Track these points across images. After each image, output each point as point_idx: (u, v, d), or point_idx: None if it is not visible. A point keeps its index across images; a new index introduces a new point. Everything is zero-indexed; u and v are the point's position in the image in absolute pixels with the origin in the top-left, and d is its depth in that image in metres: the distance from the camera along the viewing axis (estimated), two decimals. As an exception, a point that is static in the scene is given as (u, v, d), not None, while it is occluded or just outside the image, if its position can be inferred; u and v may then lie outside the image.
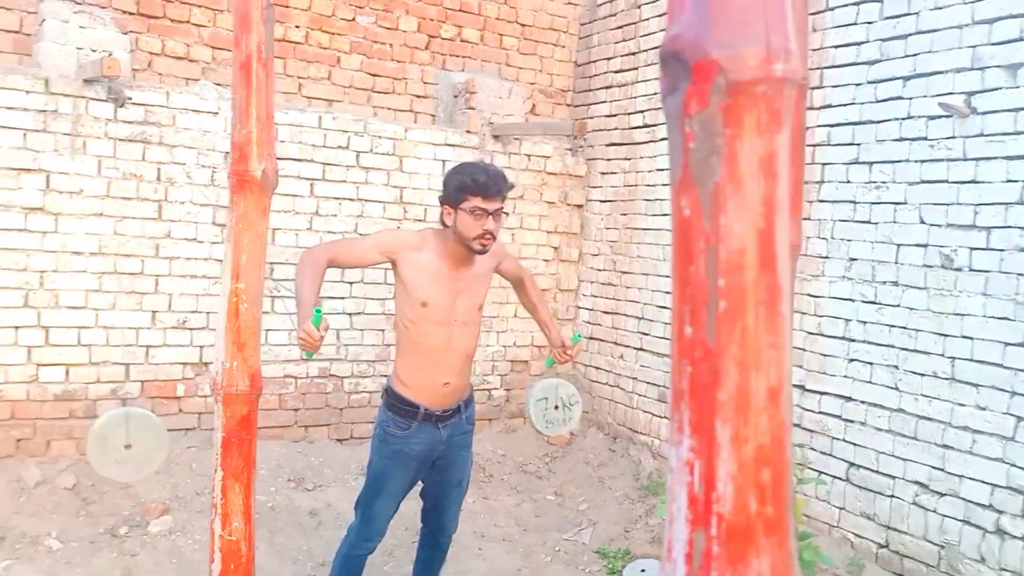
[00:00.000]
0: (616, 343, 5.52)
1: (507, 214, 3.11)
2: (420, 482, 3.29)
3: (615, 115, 5.62)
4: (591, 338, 5.75)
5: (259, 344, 1.59)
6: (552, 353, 3.41)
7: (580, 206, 5.91)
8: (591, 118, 5.84)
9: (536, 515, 4.75)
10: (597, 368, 5.70)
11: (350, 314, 5.13)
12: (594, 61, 5.85)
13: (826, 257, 4.11)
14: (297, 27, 5.17)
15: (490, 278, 3.15)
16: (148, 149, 4.52)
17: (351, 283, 5.10)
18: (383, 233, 3.03)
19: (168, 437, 3.20)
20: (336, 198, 5.03)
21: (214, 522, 1.62)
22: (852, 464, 3.98)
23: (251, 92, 1.59)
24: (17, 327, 4.27)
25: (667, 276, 5.11)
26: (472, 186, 2.87)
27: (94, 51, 4.35)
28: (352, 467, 4.95)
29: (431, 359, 3.00)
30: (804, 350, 4.20)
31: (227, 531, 1.51)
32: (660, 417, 5.14)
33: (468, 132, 5.44)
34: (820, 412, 4.11)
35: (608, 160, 5.68)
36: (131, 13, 4.69)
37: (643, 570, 4.04)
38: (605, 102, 5.72)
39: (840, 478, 4.05)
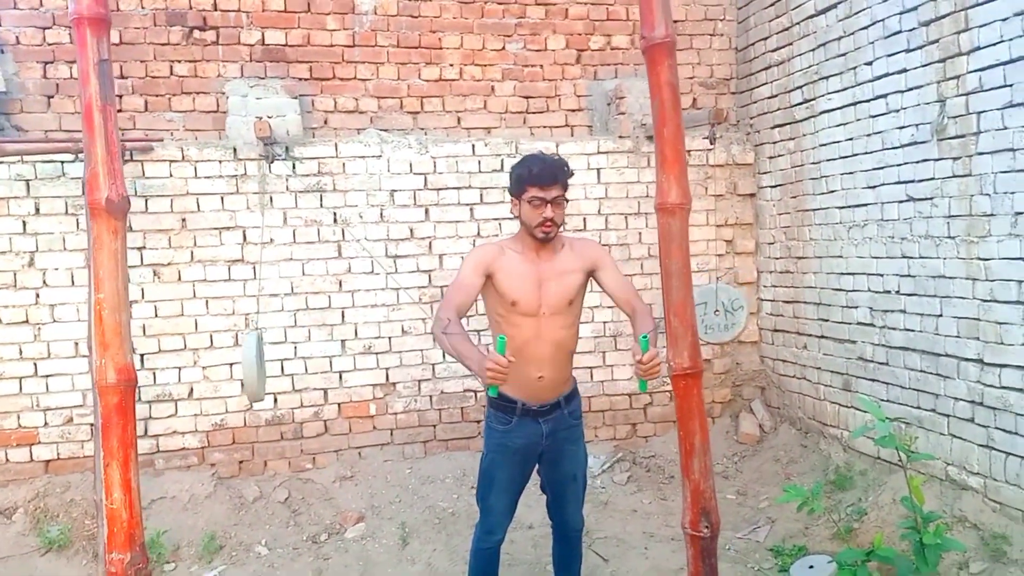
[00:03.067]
0: (799, 333, 5.24)
1: (567, 202, 3.16)
2: (538, 476, 3.39)
3: (775, 95, 5.38)
4: (775, 330, 5.51)
5: (125, 342, 1.84)
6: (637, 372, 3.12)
7: (752, 195, 5.70)
8: (754, 103, 5.65)
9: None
10: (784, 361, 5.44)
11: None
12: (752, 44, 5.65)
13: (991, 215, 3.67)
14: (451, 65, 5.53)
15: (580, 277, 3.19)
16: (324, 196, 5.08)
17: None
18: (470, 258, 3.16)
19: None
20: (495, 219, 5.29)
21: (101, 494, 1.94)
22: (1043, 445, 3.50)
23: (94, 135, 1.86)
24: (231, 364, 4.96)
25: (840, 256, 4.79)
26: (528, 177, 3.04)
27: (270, 117, 4.98)
28: (534, 476, 5.13)
29: (522, 352, 3.07)
30: (979, 320, 3.76)
31: (110, 501, 1.78)
32: (847, 407, 4.81)
33: (621, 137, 5.48)
34: (1001, 387, 3.66)
35: (774, 143, 5.44)
36: (305, 79, 5.31)
37: (811, 566, 3.82)
38: (766, 84, 5.50)
39: (1032, 461, 3.57)
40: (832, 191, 4.84)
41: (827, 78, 4.82)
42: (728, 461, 5.30)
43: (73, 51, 4.98)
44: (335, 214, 5.10)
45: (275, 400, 5.05)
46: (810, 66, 4.98)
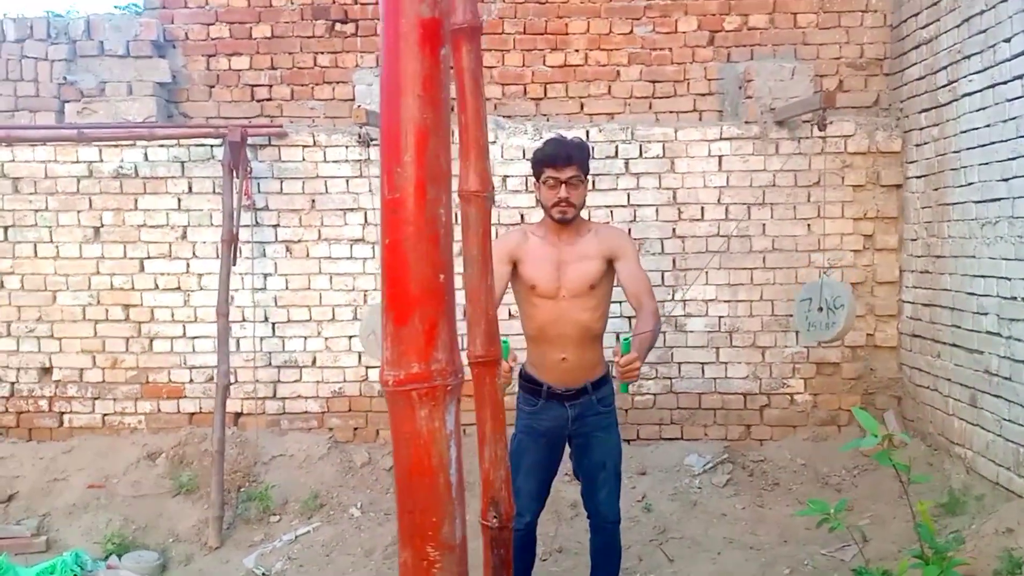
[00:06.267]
0: (934, 340, 4.76)
1: (583, 182, 3.15)
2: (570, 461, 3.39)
3: (923, 77, 4.88)
4: (914, 335, 5.02)
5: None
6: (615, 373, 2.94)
7: (898, 186, 5.21)
8: (904, 85, 5.15)
9: (807, 527, 4.35)
10: (919, 370, 4.95)
11: (628, 317, 5.27)
12: (905, 20, 5.15)
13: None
14: (576, 51, 5.52)
15: (600, 263, 3.16)
16: (440, 181, 5.27)
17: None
18: (497, 247, 3.21)
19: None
20: (607, 206, 5.24)
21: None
22: None
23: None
24: (350, 336, 5.31)
25: (973, 257, 4.30)
26: (542, 158, 3.11)
27: (392, 106, 5.24)
28: (633, 466, 5.06)
29: (545, 334, 3.17)
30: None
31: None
32: (973, 425, 4.31)
33: (747, 123, 5.21)
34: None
35: (921, 130, 4.94)
36: (434, 68, 5.52)
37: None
38: (915, 64, 4.99)
39: None
40: (970, 183, 4.34)
41: (969, 57, 4.32)
42: (847, 474, 4.93)
43: (232, 44, 5.53)
44: (450, 198, 5.27)
45: (388, 373, 5.34)
46: (954, 44, 4.48)
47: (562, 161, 3.08)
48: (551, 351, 3.16)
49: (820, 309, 4.23)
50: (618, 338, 2.87)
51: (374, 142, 5.16)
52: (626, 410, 5.32)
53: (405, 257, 1.18)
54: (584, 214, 5.20)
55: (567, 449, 3.42)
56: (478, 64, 1.77)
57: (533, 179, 3.24)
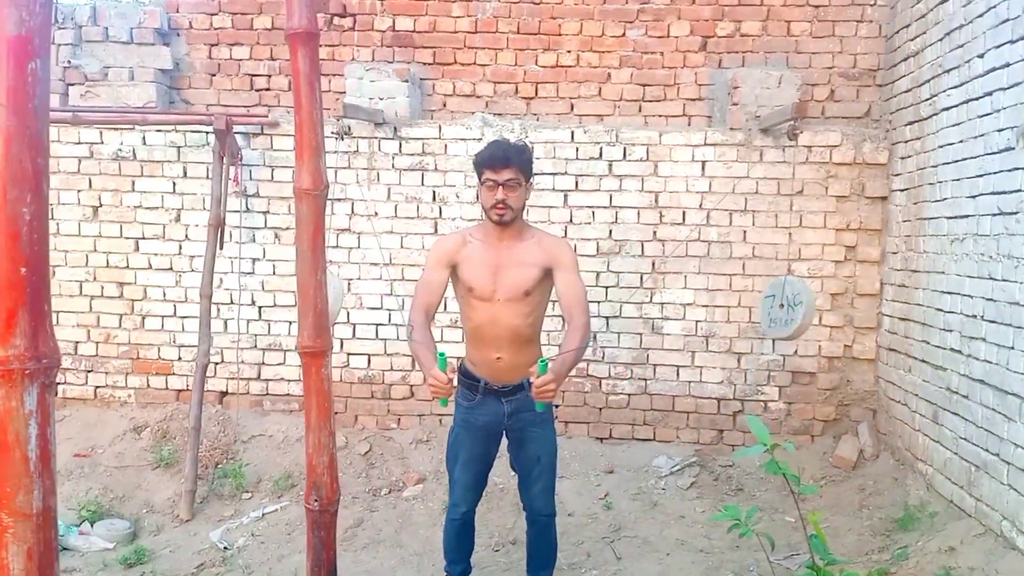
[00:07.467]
0: (907, 354, 4.74)
1: (522, 185, 3.20)
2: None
3: (910, 90, 4.85)
4: (890, 349, 5.00)
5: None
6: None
7: (884, 198, 5.19)
8: (894, 97, 5.12)
9: (766, 535, 4.36)
10: (893, 384, 4.93)
11: (606, 317, 5.33)
12: (897, 32, 5.12)
13: None
14: (568, 51, 5.57)
15: (537, 272, 3.22)
16: (426, 175, 5.37)
17: (607, 287, 5.30)
18: (432, 252, 3.32)
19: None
20: (589, 207, 5.29)
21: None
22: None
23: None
24: (333, 323, 5.42)
25: (942, 273, 4.28)
26: (481, 160, 3.19)
27: (381, 99, 5.35)
28: (601, 465, 5.13)
29: (481, 334, 3.28)
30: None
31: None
32: (935, 442, 4.30)
33: (732, 129, 5.23)
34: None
35: (906, 143, 4.91)
36: (428, 63, 5.62)
37: None
38: (904, 76, 4.97)
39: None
40: (944, 199, 4.32)
41: (948, 71, 4.29)
42: (814, 484, 4.93)
43: (234, 35, 5.68)
44: (434, 192, 5.37)
45: (368, 361, 5.47)
46: (936, 58, 4.45)
47: (500, 163, 3.14)
48: (487, 350, 3.25)
49: (782, 306, 4.25)
50: (537, 360, 2.93)
51: (351, 135, 5.28)
52: (600, 409, 5.38)
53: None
54: (566, 213, 5.30)
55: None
56: (313, 68, 1.86)
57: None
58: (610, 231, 5.29)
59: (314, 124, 1.95)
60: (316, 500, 2.19)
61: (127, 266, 5.51)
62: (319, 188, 2.04)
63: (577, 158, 5.31)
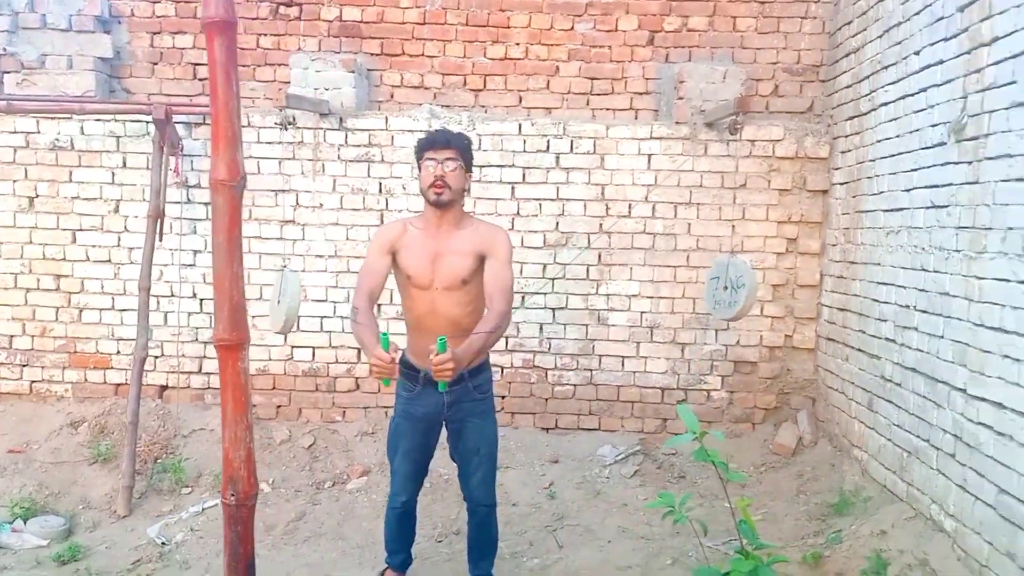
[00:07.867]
0: (844, 343, 4.82)
1: (461, 168, 3.22)
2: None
3: (851, 85, 4.94)
4: (829, 339, 5.09)
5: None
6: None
7: (824, 192, 5.27)
8: (835, 92, 5.21)
9: (699, 522, 4.41)
10: (831, 372, 5.02)
11: (553, 309, 5.34)
12: (840, 28, 5.21)
13: (989, 228, 3.21)
14: (517, 44, 5.57)
15: (474, 259, 3.21)
16: (372, 167, 5.33)
17: (554, 279, 5.32)
18: (375, 240, 3.31)
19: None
20: (536, 199, 5.30)
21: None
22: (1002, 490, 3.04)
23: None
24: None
25: (878, 264, 4.37)
26: (421, 144, 3.25)
27: (327, 90, 5.30)
28: (547, 455, 5.15)
29: (421, 324, 3.28)
30: (968, 345, 3.31)
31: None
32: (870, 428, 4.38)
33: (677, 123, 5.27)
34: (978, 423, 3.21)
35: (847, 137, 5.00)
36: (376, 54, 5.58)
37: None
38: (845, 72, 5.05)
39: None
40: (880, 192, 4.40)
41: (887, 68, 4.37)
42: (754, 471, 5.00)
43: (177, 23, 5.58)
44: (380, 184, 5.33)
45: (313, 353, 5.41)
46: (876, 54, 4.53)
47: (440, 144, 3.19)
48: (426, 340, 3.20)
49: (725, 288, 4.28)
50: (436, 339, 2.92)
51: (295, 125, 5.22)
52: (546, 399, 5.39)
53: None
54: (513, 205, 5.30)
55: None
56: (230, 58, 1.82)
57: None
58: (557, 223, 5.30)
59: (230, 114, 1.91)
60: (233, 495, 2.16)
61: (64, 258, 5.39)
62: (235, 179, 2.00)
63: (525, 151, 5.31)
